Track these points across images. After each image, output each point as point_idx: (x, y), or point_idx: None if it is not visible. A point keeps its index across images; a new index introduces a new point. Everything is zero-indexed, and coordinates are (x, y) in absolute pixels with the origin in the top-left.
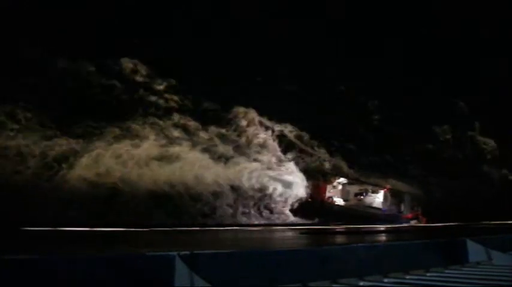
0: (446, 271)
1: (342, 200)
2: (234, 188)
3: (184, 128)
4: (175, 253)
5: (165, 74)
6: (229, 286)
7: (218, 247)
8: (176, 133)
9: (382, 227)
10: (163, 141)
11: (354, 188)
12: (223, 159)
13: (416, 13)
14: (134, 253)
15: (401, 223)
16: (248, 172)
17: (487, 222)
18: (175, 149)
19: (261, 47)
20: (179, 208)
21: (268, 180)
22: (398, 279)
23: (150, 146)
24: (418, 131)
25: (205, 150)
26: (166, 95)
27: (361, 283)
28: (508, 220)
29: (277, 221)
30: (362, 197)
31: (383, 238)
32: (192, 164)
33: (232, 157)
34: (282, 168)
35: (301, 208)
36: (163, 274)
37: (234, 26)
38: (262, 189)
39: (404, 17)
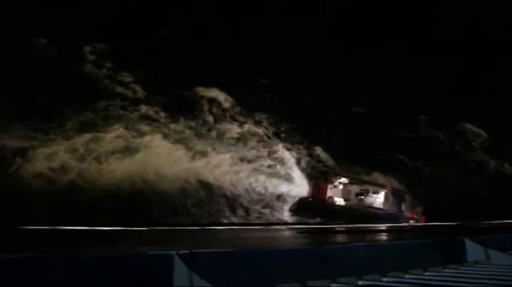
0: (445, 271)
1: (342, 200)
2: (204, 184)
3: (151, 121)
4: (174, 252)
5: (133, 64)
6: (229, 285)
7: (216, 246)
8: (142, 126)
9: (381, 226)
10: (128, 135)
11: (355, 188)
12: (194, 152)
13: (416, 13)
14: (133, 252)
15: (401, 223)
16: (220, 166)
17: (486, 222)
18: (140, 143)
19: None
20: (143, 206)
21: (246, 176)
22: (397, 278)
23: (113, 139)
24: (407, 123)
25: (173, 143)
26: (133, 86)
27: (360, 282)
28: (506, 219)
29: (256, 222)
30: (363, 197)
31: (382, 237)
32: (158, 158)
33: (204, 150)
34: (260, 162)
35: (302, 207)
36: (162, 273)
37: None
38: (236, 185)
39: (404, 16)
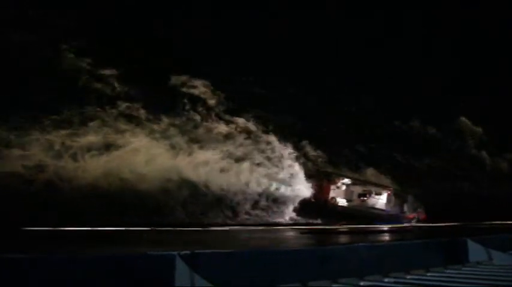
0: (447, 271)
1: (345, 201)
2: (188, 183)
3: (132, 118)
4: (175, 253)
5: (114, 59)
6: (230, 286)
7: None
8: (122, 123)
9: (383, 227)
10: (106, 132)
11: (358, 189)
12: (178, 150)
13: (416, 13)
14: (134, 252)
15: (403, 223)
16: (207, 164)
17: (488, 222)
18: (118, 140)
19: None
20: (123, 206)
21: (235, 174)
22: (399, 279)
23: (91, 136)
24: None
25: (155, 140)
26: (113, 82)
27: (362, 283)
28: (508, 220)
29: (247, 222)
30: (365, 198)
31: (383, 237)
32: (137, 156)
33: (188, 148)
34: (249, 160)
35: (304, 208)
36: (164, 274)
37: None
38: (223, 184)
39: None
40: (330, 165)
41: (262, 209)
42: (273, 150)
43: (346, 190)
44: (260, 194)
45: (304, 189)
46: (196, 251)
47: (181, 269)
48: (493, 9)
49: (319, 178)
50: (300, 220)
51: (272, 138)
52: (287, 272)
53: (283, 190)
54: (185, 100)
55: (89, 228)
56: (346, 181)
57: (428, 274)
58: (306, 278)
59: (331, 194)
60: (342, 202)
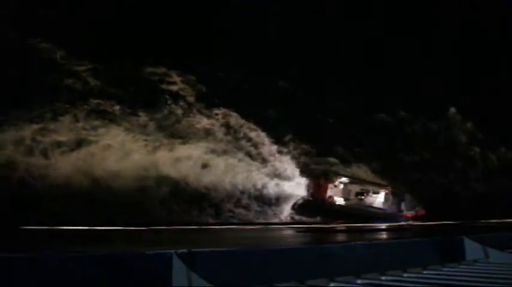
0: (444, 269)
1: (342, 199)
2: (167, 180)
3: (106, 113)
4: (172, 251)
5: (87, 54)
6: (227, 284)
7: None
8: (95, 119)
9: (381, 225)
10: (79, 127)
11: (355, 188)
12: (156, 146)
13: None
14: (131, 251)
15: (400, 222)
16: (187, 160)
17: (485, 220)
18: (91, 136)
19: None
20: (96, 205)
21: (216, 170)
22: (396, 277)
23: (64, 132)
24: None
25: (130, 135)
26: (86, 76)
27: (359, 281)
28: (504, 218)
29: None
30: (363, 197)
31: (381, 236)
32: (110, 152)
33: (167, 143)
34: (231, 155)
35: (302, 207)
36: (161, 273)
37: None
38: (204, 181)
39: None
40: (319, 158)
41: (233, 208)
42: (256, 146)
43: (343, 188)
44: (230, 190)
45: (280, 184)
46: (194, 250)
47: (179, 268)
48: (493, 9)
49: (317, 176)
50: (298, 218)
51: (258, 133)
52: (284, 271)
53: (257, 186)
54: (164, 95)
55: (89, 228)
56: (344, 179)
57: (425, 272)
58: (303, 277)
59: (329, 192)
60: (339, 200)
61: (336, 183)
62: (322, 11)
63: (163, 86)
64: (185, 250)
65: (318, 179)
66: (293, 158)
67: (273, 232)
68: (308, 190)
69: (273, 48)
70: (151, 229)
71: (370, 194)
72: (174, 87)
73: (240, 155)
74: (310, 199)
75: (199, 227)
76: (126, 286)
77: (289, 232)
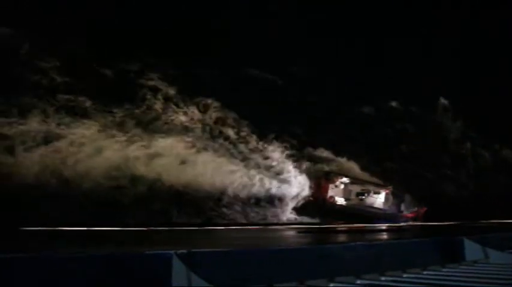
0: (444, 270)
1: (343, 199)
2: (141, 179)
3: (77, 109)
4: (172, 252)
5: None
6: (227, 285)
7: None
8: (64, 115)
9: (381, 226)
10: (48, 123)
11: (356, 188)
12: (130, 142)
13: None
14: (131, 251)
15: (401, 223)
16: (163, 156)
17: (485, 221)
18: (60, 133)
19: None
20: (66, 205)
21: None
22: (396, 277)
23: (30, 129)
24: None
25: (102, 132)
26: (51, 72)
27: (359, 282)
28: (504, 219)
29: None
30: (364, 197)
31: (381, 236)
32: (79, 149)
33: (142, 140)
34: (210, 151)
35: (303, 207)
36: (161, 273)
37: None
38: (182, 178)
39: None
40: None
41: (213, 206)
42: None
43: (344, 188)
44: (223, 192)
45: (260, 183)
46: (193, 250)
47: (178, 268)
48: (493, 9)
49: (318, 176)
50: (298, 218)
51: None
52: (284, 271)
53: (236, 183)
54: (139, 90)
55: (89, 228)
56: (345, 179)
57: (425, 273)
58: (303, 277)
59: (330, 193)
60: (340, 200)
61: (337, 183)
62: (322, 11)
63: (142, 81)
64: (185, 251)
65: (319, 180)
66: (281, 153)
67: (273, 232)
68: (302, 188)
69: (273, 48)
70: (151, 229)
71: (371, 194)
72: (150, 83)
73: (220, 151)
74: (312, 199)
75: (188, 228)
76: (126, 286)
77: (290, 232)
